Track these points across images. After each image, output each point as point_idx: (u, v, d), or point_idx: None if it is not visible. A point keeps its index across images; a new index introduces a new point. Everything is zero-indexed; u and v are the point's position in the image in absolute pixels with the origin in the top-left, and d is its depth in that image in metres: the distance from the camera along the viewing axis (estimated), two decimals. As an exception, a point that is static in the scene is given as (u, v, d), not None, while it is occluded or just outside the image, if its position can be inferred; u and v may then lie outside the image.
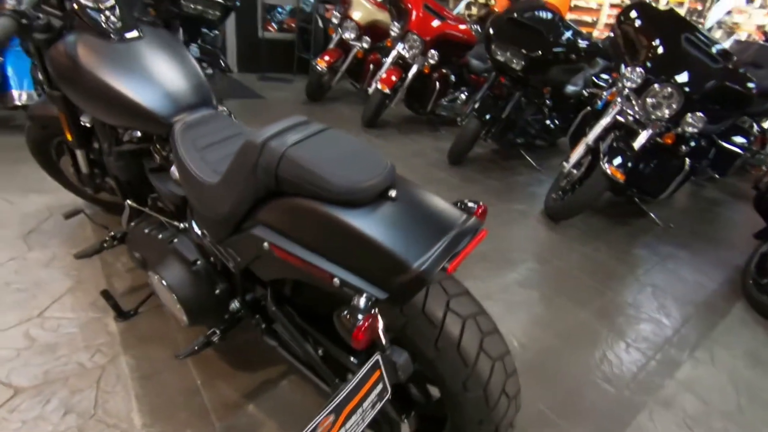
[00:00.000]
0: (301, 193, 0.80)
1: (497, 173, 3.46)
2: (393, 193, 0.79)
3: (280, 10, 5.92)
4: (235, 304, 1.16)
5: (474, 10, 7.61)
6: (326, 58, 4.42)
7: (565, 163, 2.68)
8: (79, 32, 1.14)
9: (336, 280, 0.76)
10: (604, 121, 2.57)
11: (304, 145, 0.82)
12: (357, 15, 4.33)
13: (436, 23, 3.74)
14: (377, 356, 0.72)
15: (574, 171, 2.70)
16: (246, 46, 5.57)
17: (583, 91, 3.86)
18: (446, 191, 2.95)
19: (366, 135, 3.90)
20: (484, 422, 0.83)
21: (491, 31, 3.13)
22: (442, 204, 0.83)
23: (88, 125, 1.43)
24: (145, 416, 1.18)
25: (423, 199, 0.82)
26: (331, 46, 4.57)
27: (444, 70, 4.06)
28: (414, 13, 3.74)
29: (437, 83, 4.01)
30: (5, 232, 1.82)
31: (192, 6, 3.23)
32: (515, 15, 3.04)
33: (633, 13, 2.51)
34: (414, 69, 3.88)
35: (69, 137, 1.46)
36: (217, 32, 5.46)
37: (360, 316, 0.68)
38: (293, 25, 5.94)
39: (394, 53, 3.90)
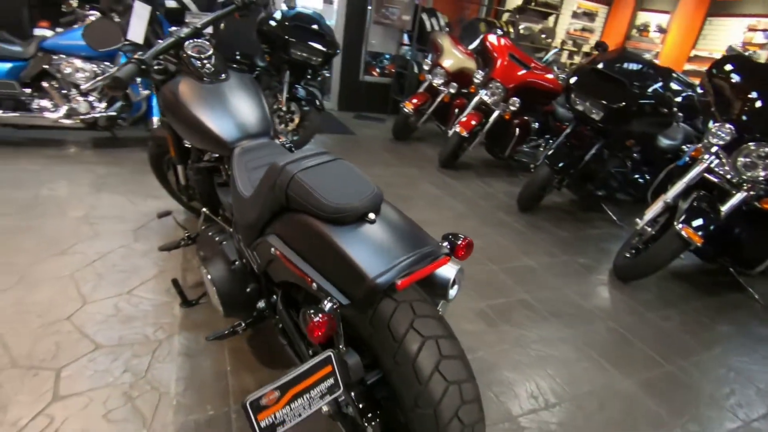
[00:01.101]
0: (303, 210, 0.96)
1: (570, 224, 3.31)
2: (372, 216, 0.91)
3: (387, 56, 6.49)
4: (261, 304, 1.35)
5: (577, 60, 7.46)
6: (414, 101, 4.73)
7: (638, 220, 2.50)
8: (184, 75, 1.49)
9: (314, 284, 0.90)
10: (688, 178, 2.37)
11: (312, 170, 0.99)
12: (447, 62, 4.59)
13: (519, 72, 3.81)
14: (329, 352, 0.83)
15: (648, 228, 2.50)
16: (347, 87, 6.17)
17: (684, 146, 3.55)
18: (507, 235, 2.91)
19: (441, 175, 4.03)
20: (447, 427, 0.87)
21: (573, 80, 3.11)
22: (414, 230, 0.92)
23: (188, 146, 1.80)
24: (179, 387, 1.40)
25: (398, 224, 0.93)
26: (421, 90, 4.88)
27: (526, 117, 4.06)
28: (499, 61, 3.86)
29: (517, 129, 4.02)
30: (123, 226, 2.29)
31: (299, 53, 3.75)
32: (600, 65, 2.99)
33: (728, 66, 2.33)
34: (495, 115, 3.96)
35: (173, 154, 1.84)
36: (326, 74, 6.17)
37: (320, 315, 0.80)
38: (394, 70, 6.44)
39: (476, 99, 4.04)
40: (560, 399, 1.62)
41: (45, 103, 2.99)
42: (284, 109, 3.92)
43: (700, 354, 2.03)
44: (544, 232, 3.09)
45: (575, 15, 7.31)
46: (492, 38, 4.05)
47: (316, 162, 1.03)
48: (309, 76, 4.21)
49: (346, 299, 0.84)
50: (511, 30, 6.28)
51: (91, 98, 3.07)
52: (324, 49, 3.89)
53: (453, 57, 4.62)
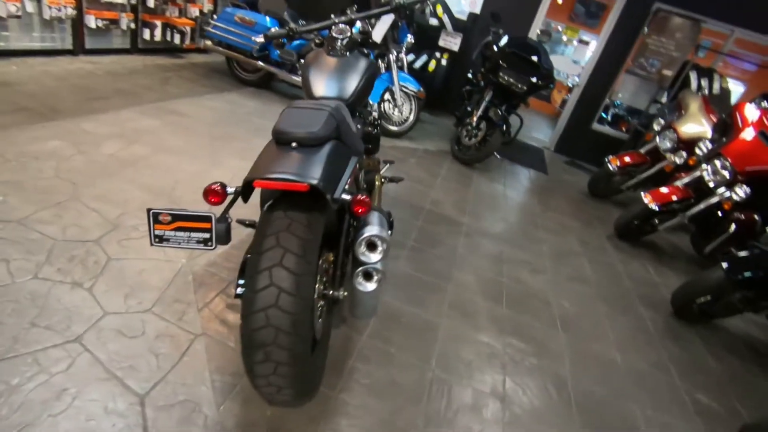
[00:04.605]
0: None
1: (742, 363, 2.39)
2: (294, 144, 1.16)
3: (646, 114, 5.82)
4: None
5: None
6: (625, 158, 4.20)
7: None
8: (320, 48, 1.99)
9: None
10: None
11: (297, 110, 1.30)
12: (684, 127, 3.87)
13: (764, 156, 2.90)
14: (211, 214, 1.13)
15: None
16: (572, 131, 5.84)
17: None
18: (622, 323, 2.38)
19: (604, 241, 3.49)
20: (246, 319, 1.05)
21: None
22: (315, 166, 1.11)
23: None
24: (223, 250, 1.95)
25: (309, 158, 1.13)
26: (642, 150, 4.26)
27: (755, 216, 3.05)
28: (740, 135, 3.03)
29: (734, 225, 3.07)
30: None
31: (505, 78, 3.92)
32: None
33: None
34: (710, 199, 3.15)
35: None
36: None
37: (217, 187, 1.12)
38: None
39: (695, 174, 3.30)
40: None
41: (307, 72, 4.18)
42: (473, 124, 4.17)
43: None
44: (682, 348, 2.36)
45: None
46: (749, 108, 3.19)
47: (308, 106, 1.32)
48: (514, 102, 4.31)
49: (240, 188, 1.13)
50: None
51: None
52: (532, 80, 3.93)
53: (695, 123, 3.84)
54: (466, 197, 3.49)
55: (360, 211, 1.15)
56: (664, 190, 3.33)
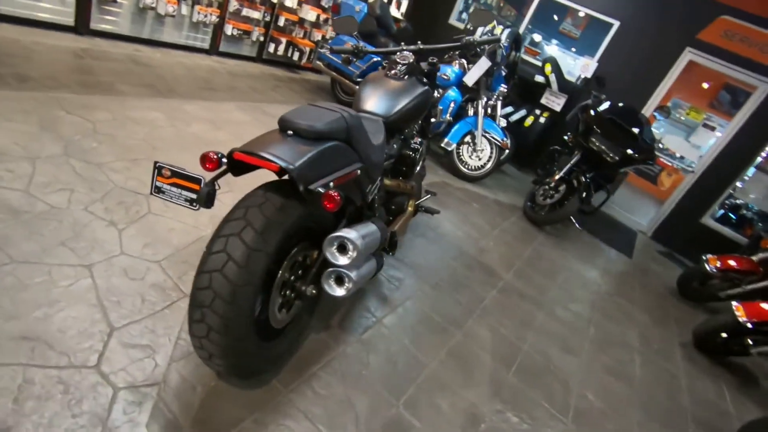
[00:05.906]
0: None
1: None
2: (290, 132, 1.21)
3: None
4: None
5: None
6: (730, 261, 3.59)
7: None
8: (383, 69, 2.08)
9: None
10: None
11: (311, 107, 1.36)
12: (813, 241, 3.19)
13: None
14: (201, 177, 1.22)
15: None
16: (677, 221, 5.18)
17: None
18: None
19: (677, 349, 2.96)
20: (195, 277, 1.10)
21: None
22: (301, 153, 1.15)
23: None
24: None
25: (297, 146, 1.18)
26: (755, 257, 3.61)
27: None
28: None
29: None
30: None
31: (596, 144, 3.67)
32: None
33: None
34: (828, 331, 2.53)
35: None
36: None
37: (213, 155, 1.22)
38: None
39: (812, 297, 2.69)
40: None
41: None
42: (552, 184, 3.94)
43: None
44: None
45: None
46: None
47: (326, 106, 1.39)
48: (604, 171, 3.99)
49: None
50: None
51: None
52: (627, 152, 3.64)
53: (830, 239, 3.15)
54: (518, 254, 3.26)
55: (328, 206, 1.15)
56: (766, 306, 2.76)
